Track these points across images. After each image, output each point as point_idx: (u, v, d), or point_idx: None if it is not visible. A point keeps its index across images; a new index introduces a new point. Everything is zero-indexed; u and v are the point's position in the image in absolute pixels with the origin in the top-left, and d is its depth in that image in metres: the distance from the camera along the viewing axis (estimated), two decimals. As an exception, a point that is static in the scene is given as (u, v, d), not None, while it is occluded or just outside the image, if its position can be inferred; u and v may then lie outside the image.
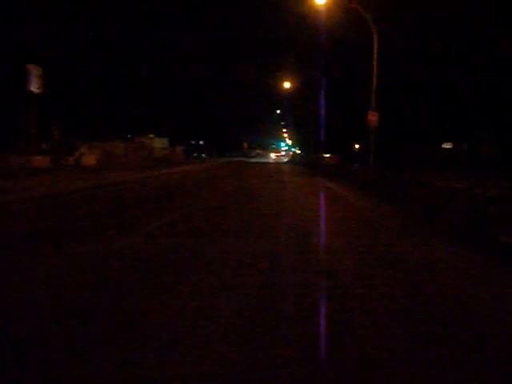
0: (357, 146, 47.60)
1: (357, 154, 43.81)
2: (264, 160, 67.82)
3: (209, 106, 64.07)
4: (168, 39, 45.60)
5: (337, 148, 44.04)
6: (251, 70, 65.24)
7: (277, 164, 48.06)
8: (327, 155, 41.98)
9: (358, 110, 38.64)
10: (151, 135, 45.14)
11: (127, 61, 40.96)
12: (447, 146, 41.12)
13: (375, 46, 17.76)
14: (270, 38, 69.21)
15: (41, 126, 26.26)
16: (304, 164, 38.66)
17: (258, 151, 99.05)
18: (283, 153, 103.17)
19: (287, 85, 40.88)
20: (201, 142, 74.24)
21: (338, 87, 39.59)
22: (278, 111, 75.20)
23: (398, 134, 34.58)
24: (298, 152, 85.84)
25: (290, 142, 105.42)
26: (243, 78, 65.36)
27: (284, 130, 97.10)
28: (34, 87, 26.42)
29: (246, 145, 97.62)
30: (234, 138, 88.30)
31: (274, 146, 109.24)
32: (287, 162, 60.82)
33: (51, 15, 33.75)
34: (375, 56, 17.78)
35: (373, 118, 18.24)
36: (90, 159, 29.85)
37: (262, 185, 16.12)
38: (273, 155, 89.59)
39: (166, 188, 14.24)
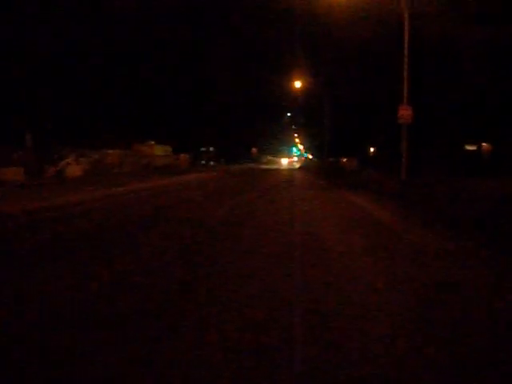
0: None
1: (372, 158, 40.31)
2: (275, 166, 64.19)
3: (215, 110, 60.31)
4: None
5: (352, 151, 40.19)
6: (259, 72, 61.69)
7: (289, 171, 44.32)
8: (344, 159, 38.07)
9: (375, 109, 35.00)
10: (152, 142, 41.48)
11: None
12: (471, 147, 36.82)
13: (406, 31, 14.30)
14: (280, 37, 66.27)
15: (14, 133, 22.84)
16: (318, 171, 34.76)
17: (269, 157, 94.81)
18: (295, 158, 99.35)
19: (298, 84, 37.06)
20: (211, 149, 70.50)
21: (353, 85, 36.07)
22: (289, 114, 71.66)
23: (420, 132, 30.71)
24: (311, 157, 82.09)
25: (301, 147, 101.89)
26: (250, 80, 61.78)
27: (295, 135, 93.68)
28: None
29: (254, 151, 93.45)
30: (243, 144, 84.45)
31: (285, 152, 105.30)
32: (300, 167, 57.06)
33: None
34: (406, 44, 14.38)
35: (405, 112, 14.58)
36: (75, 170, 26.34)
37: (266, 207, 11.75)
38: (284, 161, 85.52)
39: (131, 214, 10.18)
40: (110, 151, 32.69)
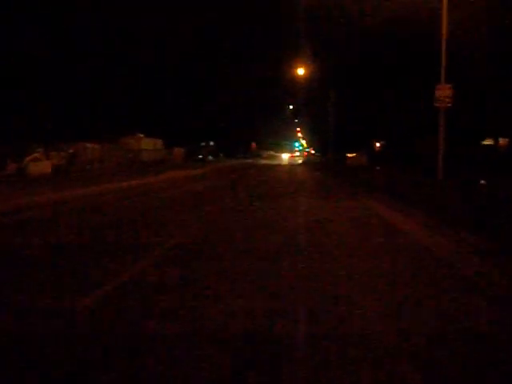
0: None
1: (380, 153, 37.10)
2: (275, 162, 60.64)
3: (213, 103, 56.91)
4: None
5: (357, 146, 36.95)
6: (261, 63, 58.19)
7: (290, 168, 40.53)
8: (352, 154, 34.52)
9: (383, 104, 31.40)
10: (140, 135, 37.83)
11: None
12: (487, 142, 33.50)
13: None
14: (281, 25, 63.03)
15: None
16: (323, 168, 31.11)
17: (270, 152, 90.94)
18: (297, 153, 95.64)
19: (301, 71, 33.35)
20: (211, 143, 66.90)
21: (358, 75, 33.01)
22: (291, 106, 67.79)
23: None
24: (313, 152, 78.32)
25: (304, 142, 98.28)
26: (250, 71, 58.24)
27: (298, 129, 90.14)
28: None
29: (253, 145, 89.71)
30: (243, 139, 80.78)
31: (287, 146, 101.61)
32: (302, 163, 53.63)
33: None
34: (444, 10, 11.89)
35: (444, 92, 11.02)
36: (44, 167, 22.81)
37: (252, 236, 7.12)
38: (286, 156, 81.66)
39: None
40: (89, 145, 29.06)
